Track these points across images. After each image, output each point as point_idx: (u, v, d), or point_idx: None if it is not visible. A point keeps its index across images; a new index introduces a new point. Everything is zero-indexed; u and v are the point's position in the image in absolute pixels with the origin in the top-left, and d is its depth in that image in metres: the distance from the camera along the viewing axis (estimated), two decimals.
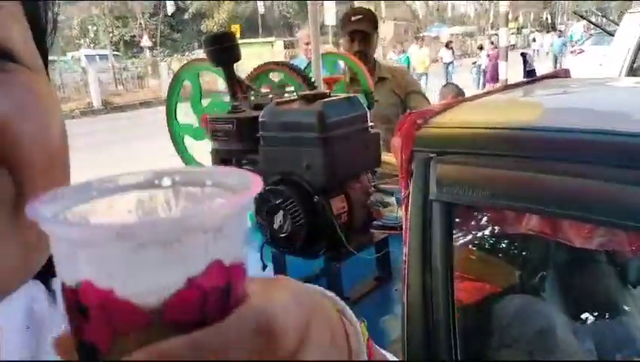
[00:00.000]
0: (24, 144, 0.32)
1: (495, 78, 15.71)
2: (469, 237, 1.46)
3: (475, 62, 18.13)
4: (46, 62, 0.40)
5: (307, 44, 4.50)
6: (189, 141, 2.34)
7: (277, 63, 2.26)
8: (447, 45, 19.52)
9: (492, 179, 1.12)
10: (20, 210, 0.31)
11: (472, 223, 1.35)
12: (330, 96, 1.65)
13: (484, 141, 1.18)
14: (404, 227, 1.29)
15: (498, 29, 17.75)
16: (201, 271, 0.24)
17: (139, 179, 0.28)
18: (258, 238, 1.69)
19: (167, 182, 0.28)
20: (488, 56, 16.31)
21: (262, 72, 2.24)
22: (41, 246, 0.35)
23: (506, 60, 14.58)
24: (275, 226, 1.62)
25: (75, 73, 20.09)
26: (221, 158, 1.76)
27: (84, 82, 19.06)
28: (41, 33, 0.40)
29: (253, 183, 0.26)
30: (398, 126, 1.31)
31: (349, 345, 0.32)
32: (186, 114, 2.30)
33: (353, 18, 2.92)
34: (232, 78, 1.93)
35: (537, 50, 24.33)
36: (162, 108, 2.42)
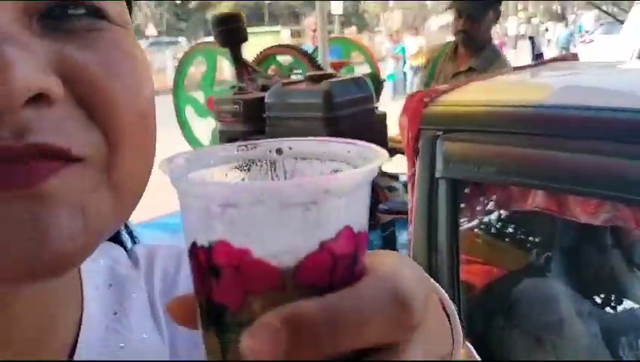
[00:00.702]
0: (116, 103, 0.32)
1: None
2: (475, 215, 1.46)
3: None
4: (130, 13, 0.39)
5: (314, 30, 4.49)
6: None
7: (283, 46, 2.26)
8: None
9: (498, 156, 1.12)
10: (112, 170, 0.32)
11: (478, 201, 1.35)
12: (335, 76, 1.65)
13: (491, 119, 1.17)
14: (409, 206, 1.29)
15: (508, 17, 17.41)
16: (333, 235, 0.24)
17: (252, 149, 0.28)
18: None
19: (279, 152, 0.28)
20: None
21: (268, 55, 2.23)
22: (132, 202, 0.35)
23: (515, 48, 14.49)
24: None
25: None
26: (227, 139, 1.76)
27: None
28: None
29: (378, 152, 0.26)
30: (405, 104, 1.31)
31: (452, 326, 0.33)
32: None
33: None
34: (238, 60, 1.93)
35: (549, 41, 23.42)
36: (168, 98, 2.42)
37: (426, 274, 0.33)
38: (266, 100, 1.65)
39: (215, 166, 0.28)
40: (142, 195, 0.36)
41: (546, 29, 24.14)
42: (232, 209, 0.23)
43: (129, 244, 0.50)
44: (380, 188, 1.90)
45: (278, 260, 0.23)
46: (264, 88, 1.81)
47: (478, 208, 1.40)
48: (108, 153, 0.32)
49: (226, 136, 1.77)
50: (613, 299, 1.74)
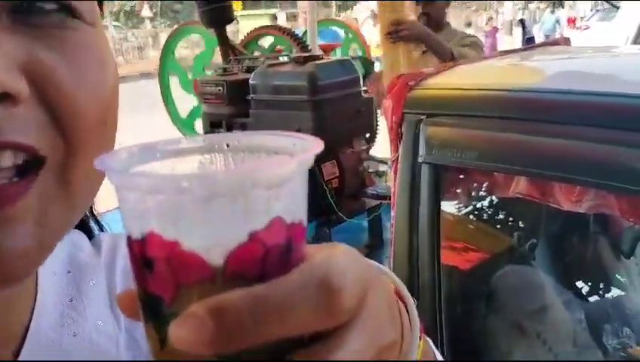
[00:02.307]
0: (80, 106, 0.32)
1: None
2: (459, 199, 1.45)
3: None
4: (101, 8, 0.39)
5: (306, 12, 4.43)
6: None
7: (270, 27, 2.22)
8: None
9: (481, 142, 1.10)
10: (70, 170, 0.33)
11: (462, 186, 1.33)
12: (322, 58, 1.62)
13: (475, 103, 1.15)
14: (392, 190, 1.27)
15: (503, 3, 17.15)
16: (264, 226, 0.24)
17: (200, 143, 0.28)
18: None
19: (227, 146, 0.28)
20: (487, 32, 15.40)
21: (256, 35, 2.19)
22: (86, 203, 0.37)
23: (511, 34, 14.41)
24: None
25: None
26: (211, 122, 1.73)
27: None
28: None
29: (314, 143, 0.26)
30: (389, 87, 1.28)
31: (402, 320, 0.32)
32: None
33: None
34: (223, 40, 1.89)
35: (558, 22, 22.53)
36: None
37: (377, 264, 0.33)
38: (250, 82, 1.62)
39: (161, 160, 0.28)
40: (94, 198, 0.38)
41: (552, 12, 23.42)
42: (160, 199, 0.24)
43: (95, 232, 0.50)
44: (367, 172, 1.88)
45: (207, 252, 0.23)
46: (249, 70, 1.78)
47: (461, 192, 1.38)
48: (66, 154, 0.33)
49: (209, 118, 1.74)
50: (599, 286, 1.74)
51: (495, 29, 14.93)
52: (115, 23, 27.00)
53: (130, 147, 0.27)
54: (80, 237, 0.47)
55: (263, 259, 0.24)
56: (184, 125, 2.22)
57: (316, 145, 0.26)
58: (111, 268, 0.45)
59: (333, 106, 1.54)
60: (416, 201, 1.18)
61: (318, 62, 1.57)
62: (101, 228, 0.50)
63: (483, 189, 1.34)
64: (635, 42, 4.63)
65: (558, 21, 17.91)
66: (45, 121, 0.31)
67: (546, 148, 1.01)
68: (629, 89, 0.99)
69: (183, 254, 0.23)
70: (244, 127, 1.68)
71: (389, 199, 1.79)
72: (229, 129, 1.69)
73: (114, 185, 0.25)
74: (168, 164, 0.28)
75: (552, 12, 17.81)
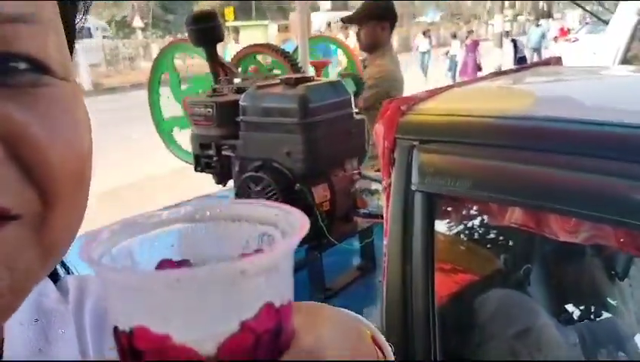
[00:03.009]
0: (55, 165, 0.32)
1: (472, 71, 14.63)
2: (452, 229, 1.42)
3: (447, 53, 16.09)
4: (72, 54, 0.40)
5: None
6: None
7: (261, 45, 2.20)
8: (425, 33, 17.67)
9: (474, 170, 1.08)
10: (44, 228, 0.33)
11: (455, 215, 1.31)
12: (313, 80, 1.60)
13: (468, 129, 1.13)
14: (384, 217, 1.24)
15: (494, 15, 17.19)
16: (254, 314, 0.24)
17: (181, 213, 0.29)
18: None
19: (207, 215, 0.29)
20: (467, 46, 15.14)
21: (246, 54, 2.17)
22: (63, 251, 0.37)
23: (501, 47, 14.50)
24: None
25: None
26: (200, 143, 1.70)
27: (73, 63, 18.77)
28: (72, 35, 0.40)
29: (299, 222, 0.27)
30: (381, 112, 1.26)
31: None
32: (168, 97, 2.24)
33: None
34: (214, 60, 1.87)
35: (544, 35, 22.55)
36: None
37: (354, 315, 0.35)
38: (240, 104, 1.60)
39: (144, 233, 0.28)
40: (71, 245, 0.38)
41: (538, 25, 23.55)
42: (149, 295, 0.24)
43: (61, 274, 0.48)
44: (359, 193, 1.85)
45: (199, 344, 0.24)
46: (240, 90, 1.75)
47: (454, 218, 1.36)
48: (42, 211, 0.33)
49: (198, 140, 1.71)
50: (593, 309, 1.72)
51: (475, 43, 14.76)
52: (106, 34, 26.96)
53: (111, 225, 0.27)
54: (45, 281, 0.45)
55: (254, 347, 0.24)
56: (162, 130, 2.18)
57: (302, 225, 0.26)
58: (79, 313, 0.45)
59: (325, 129, 1.52)
60: (410, 229, 1.15)
61: (309, 84, 1.54)
62: (67, 270, 0.49)
63: (477, 217, 1.31)
64: (624, 57, 4.67)
65: (544, 35, 18.05)
66: (19, 179, 0.31)
67: (542, 178, 0.99)
68: (626, 118, 0.97)
69: (175, 347, 0.23)
70: (233, 149, 1.65)
71: (381, 218, 1.77)
72: (219, 151, 1.66)
73: (100, 278, 0.25)
74: (149, 238, 0.28)
75: (537, 26, 17.96)
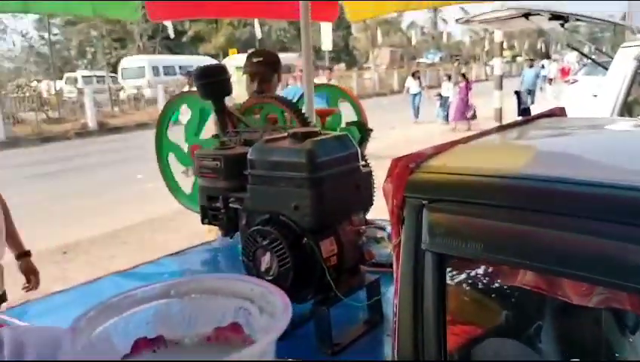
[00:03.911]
0: None
1: (463, 115, 14.41)
2: (463, 288, 1.41)
3: (439, 94, 16.07)
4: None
5: (301, 71, 4.50)
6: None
7: (269, 97, 2.23)
8: (414, 75, 17.31)
9: (485, 231, 1.07)
10: None
11: (466, 274, 1.30)
12: (320, 134, 1.61)
13: (477, 189, 1.13)
14: (394, 276, 1.23)
15: (493, 57, 17.41)
16: None
17: (156, 290, 0.30)
18: None
19: (182, 291, 0.30)
20: (459, 88, 14.75)
21: (252, 105, 2.20)
22: None
23: (501, 89, 14.67)
24: (262, 268, 1.56)
25: (71, 94, 20.16)
26: (207, 196, 1.70)
27: (79, 103, 19.08)
28: None
29: (277, 295, 0.28)
30: (389, 169, 1.27)
31: None
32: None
33: (254, 59, 3.08)
34: (222, 112, 1.89)
35: (545, 76, 22.77)
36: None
37: None
38: (248, 157, 1.61)
39: (119, 314, 0.30)
40: None
41: (542, 66, 23.88)
42: None
43: None
44: (365, 244, 1.84)
45: None
46: (247, 143, 1.77)
47: (466, 276, 1.35)
48: None
49: (206, 193, 1.72)
50: None
51: (467, 85, 14.84)
52: (112, 75, 27.42)
53: (87, 311, 0.29)
54: None
55: None
56: (190, 201, 2.18)
57: (285, 311, 0.28)
58: None
59: (332, 183, 1.52)
60: (420, 291, 1.14)
61: (316, 138, 1.55)
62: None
63: (488, 278, 1.30)
64: (625, 101, 4.72)
65: (537, 75, 18.32)
66: None
67: (554, 241, 0.99)
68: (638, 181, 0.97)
69: None
70: (241, 202, 1.65)
71: (389, 266, 1.75)
72: (226, 204, 1.67)
73: None
74: (125, 319, 0.29)
75: (530, 67, 18.25)
